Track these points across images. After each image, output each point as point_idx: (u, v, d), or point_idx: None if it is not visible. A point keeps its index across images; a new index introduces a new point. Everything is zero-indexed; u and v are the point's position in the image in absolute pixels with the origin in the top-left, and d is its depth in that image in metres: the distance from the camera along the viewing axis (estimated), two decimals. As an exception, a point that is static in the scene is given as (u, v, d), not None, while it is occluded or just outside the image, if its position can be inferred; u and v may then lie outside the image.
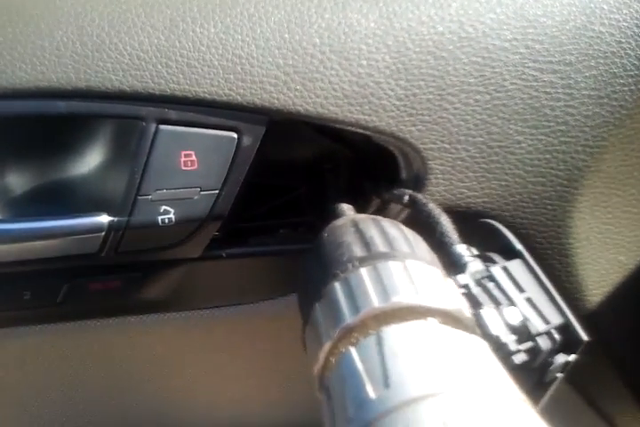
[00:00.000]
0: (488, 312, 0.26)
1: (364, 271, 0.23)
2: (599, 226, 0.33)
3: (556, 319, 0.27)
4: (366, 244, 0.24)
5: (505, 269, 0.28)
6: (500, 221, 0.32)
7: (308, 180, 0.36)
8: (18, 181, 0.32)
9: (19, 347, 0.37)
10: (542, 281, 0.28)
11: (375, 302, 0.21)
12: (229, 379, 0.41)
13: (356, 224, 0.26)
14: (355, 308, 0.22)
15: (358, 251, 0.24)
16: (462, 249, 0.28)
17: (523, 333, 0.26)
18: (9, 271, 0.32)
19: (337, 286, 0.23)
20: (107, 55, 0.29)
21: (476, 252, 0.28)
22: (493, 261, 0.28)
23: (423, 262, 0.24)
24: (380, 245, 0.24)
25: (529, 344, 0.27)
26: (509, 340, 0.26)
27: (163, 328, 0.37)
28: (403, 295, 0.21)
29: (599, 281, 0.35)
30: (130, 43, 0.29)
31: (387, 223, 0.26)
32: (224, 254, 0.34)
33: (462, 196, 0.31)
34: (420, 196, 0.30)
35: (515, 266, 0.28)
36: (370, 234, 0.25)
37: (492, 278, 0.27)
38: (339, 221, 0.27)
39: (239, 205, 0.31)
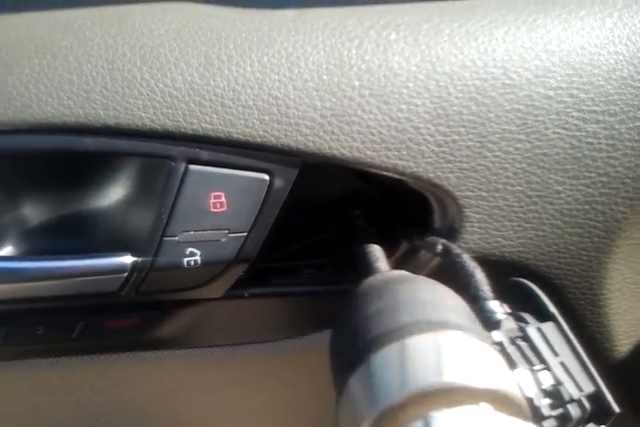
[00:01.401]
0: (522, 373, 0.26)
1: (410, 342, 0.21)
2: (633, 277, 0.33)
3: (588, 387, 0.26)
4: (413, 310, 0.23)
5: (539, 330, 0.27)
6: (535, 271, 0.31)
7: (335, 220, 0.36)
8: (42, 216, 0.31)
9: (30, 378, 0.36)
10: (575, 347, 0.27)
11: (424, 379, 0.20)
12: (243, 417, 0.40)
13: (399, 284, 0.25)
14: (399, 385, 0.20)
15: (404, 317, 0.22)
16: (495, 305, 0.27)
17: (555, 397, 0.26)
18: (23, 308, 0.31)
19: (379, 356, 0.21)
20: (138, 91, 0.27)
21: (508, 309, 0.28)
22: (525, 322, 0.27)
23: (473, 335, 0.22)
24: (428, 313, 0.22)
25: (559, 411, 0.26)
26: (543, 404, 0.25)
27: (177, 363, 0.36)
28: (455, 375, 0.20)
29: (628, 331, 0.34)
30: (162, 79, 0.28)
31: (433, 286, 0.25)
32: (247, 294, 0.33)
33: (497, 245, 0.30)
34: (453, 246, 0.29)
35: (548, 328, 0.27)
36: (417, 298, 0.23)
37: (526, 339, 0.27)
38: (377, 279, 0.26)
39: (266, 245, 0.30)
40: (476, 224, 0.30)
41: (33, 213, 0.31)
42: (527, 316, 0.28)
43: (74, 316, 0.32)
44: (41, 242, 0.31)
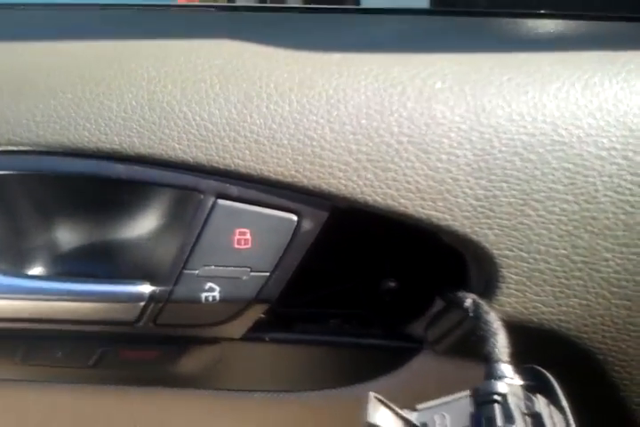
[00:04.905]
0: None
1: None
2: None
3: None
4: None
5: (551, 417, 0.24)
6: (576, 343, 0.28)
7: (366, 269, 0.34)
8: (71, 240, 0.31)
9: (43, 404, 0.36)
10: None
11: None
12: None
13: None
14: None
15: None
16: (507, 369, 0.25)
17: None
18: (43, 328, 0.30)
19: None
20: (174, 123, 0.27)
21: (520, 382, 0.25)
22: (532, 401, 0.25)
23: None
24: None
25: None
26: None
27: (189, 402, 0.35)
28: None
29: None
30: (200, 113, 0.27)
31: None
32: (267, 338, 0.32)
33: (536, 311, 0.28)
34: (483, 302, 0.27)
35: (556, 418, 0.24)
36: None
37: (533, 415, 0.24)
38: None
39: (290, 288, 0.29)
40: (513, 286, 0.28)
41: (63, 237, 0.31)
42: (539, 397, 0.26)
43: (93, 343, 0.32)
44: (68, 265, 0.31)
